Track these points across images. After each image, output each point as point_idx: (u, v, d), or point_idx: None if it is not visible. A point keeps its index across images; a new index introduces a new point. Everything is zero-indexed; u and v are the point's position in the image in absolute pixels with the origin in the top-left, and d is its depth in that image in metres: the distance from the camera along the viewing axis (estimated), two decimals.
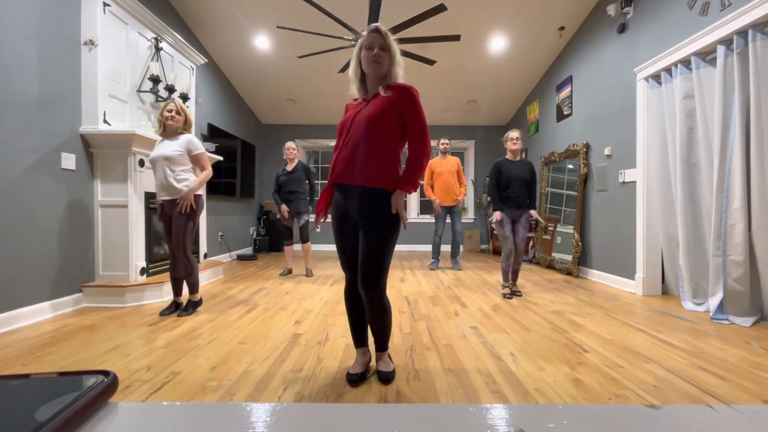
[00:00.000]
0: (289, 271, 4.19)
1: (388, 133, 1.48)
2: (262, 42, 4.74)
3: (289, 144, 4.05)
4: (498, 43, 4.73)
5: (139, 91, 3.22)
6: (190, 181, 2.50)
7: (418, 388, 1.54)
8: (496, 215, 3.11)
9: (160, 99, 3.41)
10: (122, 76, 3.04)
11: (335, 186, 1.55)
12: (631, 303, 2.96)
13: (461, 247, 6.54)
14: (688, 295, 2.85)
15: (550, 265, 4.65)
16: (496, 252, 6.26)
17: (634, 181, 3.39)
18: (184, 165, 2.50)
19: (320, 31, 3.82)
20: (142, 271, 2.96)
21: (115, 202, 2.88)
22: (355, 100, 1.64)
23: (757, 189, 2.37)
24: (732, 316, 2.44)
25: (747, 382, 1.59)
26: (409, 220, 6.99)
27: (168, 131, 2.53)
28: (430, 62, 4.16)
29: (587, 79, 4.21)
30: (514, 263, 3.16)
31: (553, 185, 4.88)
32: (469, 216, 7.09)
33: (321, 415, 0.29)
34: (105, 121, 2.84)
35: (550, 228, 4.82)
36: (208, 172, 2.59)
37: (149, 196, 3.08)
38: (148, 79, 3.19)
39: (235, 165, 5.57)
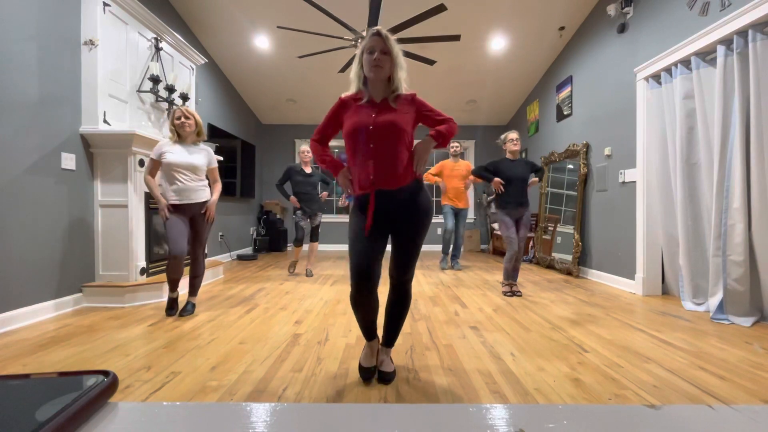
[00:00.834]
0: (293, 264, 4.19)
1: (410, 142, 1.56)
2: (262, 42, 4.74)
3: (305, 147, 4.06)
4: (498, 43, 4.74)
5: (139, 91, 3.22)
6: (208, 189, 2.67)
7: (418, 388, 1.54)
8: (496, 180, 3.19)
9: (160, 99, 3.41)
10: (122, 76, 3.04)
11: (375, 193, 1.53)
12: (631, 303, 2.96)
13: (461, 248, 6.55)
14: (688, 295, 2.85)
15: (550, 265, 4.65)
16: (496, 252, 6.26)
17: (634, 181, 3.39)
18: (204, 174, 2.66)
19: (320, 31, 3.82)
20: (142, 271, 2.96)
21: (115, 202, 2.88)
22: (355, 99, 1.60)
23: (757, 189, 2.37)
24: (732, 316, 2.44)
25: (747, 382, 1.59)
26: None
27: (183, 137, 2.56)
28: (430, 62, 4.16)
29: (587, 79, 4.21)
30: (515, 262, 3.17)
31: (553, 185, 4.88)
32: (470, 216, 7.09)
33: (321, 415, 0.29)
34: (105, 121, 2.84)
35: (550, 228, 4.82)
36: (221, 184, 2.79)
37: (149, 196, 3.08)
38: (148, 79, 3.19)
39: (235, 165, 5.57)
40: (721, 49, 2.54)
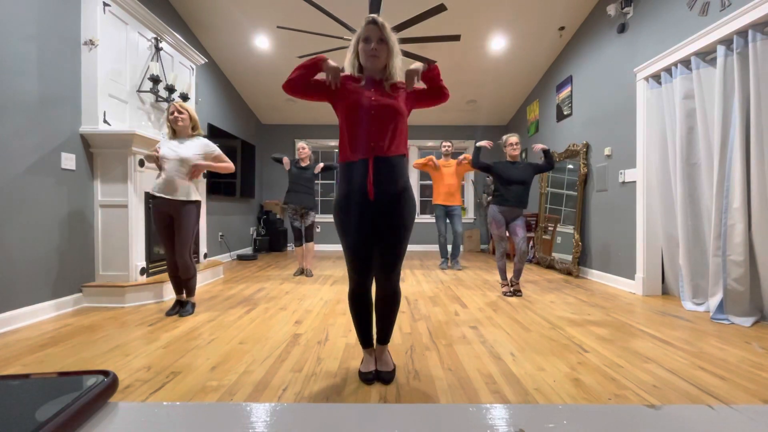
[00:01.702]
0: (302, 271, 4.19)
1: (405, 128, 1.58)
2: (262, 42, 4.74)
3: (301, 144, 4.13)
4: (498, 43, 4.73)
5: (139, 91, 3.22)
6: (193, 187, 2.59)
7: (418, 388, 1.54)
8: (484, 142, 3.30)
9: (160, 99, 3.41)
10: (122, 76, 3.04)
11: (361, 162, 1.49)
12: (631, 303, 2.96)
13: (461, 248, 6.56)
14: (688, 295, 2.85)
15: (550, 265, 4.65)
16: (496, 253, 6.25)
17: (634, 181, 3.39)
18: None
19: (320, 31, 3.82)
20: (142, 271, 2.96)
21: (115, 202, 2.88)
22: (354, 80, 1.58)
23: (757, 189, 2.37)
24: (732, 316, 2.44)
25: (747, 382, 1.59)
26: None
27: (178, 132, 2.57)
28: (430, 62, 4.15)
29: (587, 79, 4.21)
30: (517, 262, 3.17)
31: (553, 185, 4.88)
32: (469, 216, 7.09)
33: (321, 415, 0.29)
34: (105, 121, 2.84)
35: (550, 228, 4.82)
36: (230, 165, 2.69)
37: (149, 196, 3.08)
38: (148, 79, 3.19)
39: (235, 165, 5.57)
40: (721, 49, 2.54)
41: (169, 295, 2.97)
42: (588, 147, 4.15)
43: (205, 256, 4.05)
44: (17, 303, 2.30)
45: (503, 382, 1.59)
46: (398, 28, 3.37)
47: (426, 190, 7.32)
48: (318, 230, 6.88)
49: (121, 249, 2.88)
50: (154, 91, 3.25)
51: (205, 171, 2.71)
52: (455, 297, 3.16)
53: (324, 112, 6.55)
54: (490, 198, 6.51)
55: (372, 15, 1.51)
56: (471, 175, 7.04)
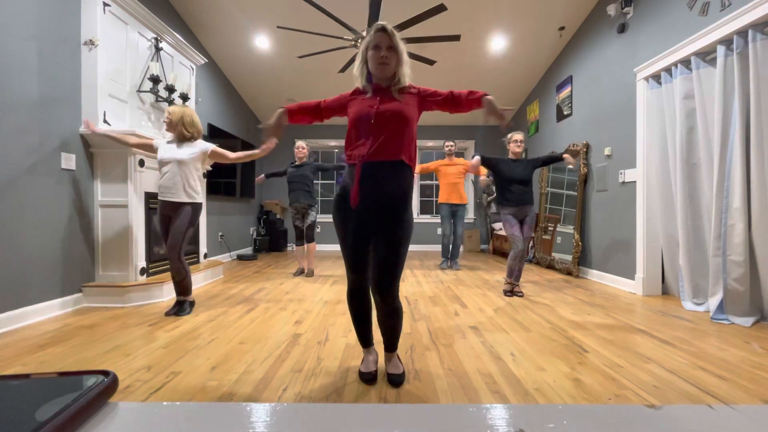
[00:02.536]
0: (302, 271, 4.19)
1: (413, 134, 1.55)
2: (262, 42, 4.74)
3: (299, 143, 4.12)
4: (498, 43, 4.73)
5: (139, 91, 3.22)
6: (197, 191, 2.62)
7: (418, 388, 1.54)
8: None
9: (160, 99, 3.41)
10: (122, 76, 3.04)
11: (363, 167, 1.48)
12: (631, 303, 2.96)
13: (461, 248, 6.57)
14: (688, 295, 2.85)
15: (550, 265, 4.65)
16: (496, 252, 6.26)
17: (634, 181, 3.39)
18: (196, 171, 2.61)
19: (320, 31, 3.82)
20: (142, 271, 2.96)
21: (115, 202, 2.88)
22: (356, 93, 1.60)
23: (757, 189, 2.37)
24: (732, 316, 2.44)
25: (747, 382, 1.59)
26: None
27: (177, 136, 2.60)
28: (430, 62, 4.16)
29: (587, 79, 4.21)
30: (518, 263, 3.17)
31: (553, 185, 4.88)
32: (469, 216, 7.09)
33: (321, 415, 0.29)
34: (105, 121, 2.84)
35: (550, 228, 4.82)
36: (235, 154, 2.72)
37: (149, 196, 3.08)
38: (148, 79, 3.19)
39: (235, 165, 5.57)
40: (721, 49, 2.54)
41: (170, 294, 2.97)
42: (588, 147, 4.15)
43: (205, 256, 4.05)
44: (17, 303, 2.30)
45: (503, 382, 1.59)
46: (398, 28, 3.36)
47: (426, 190, 7.32)
48: (318, 230, 6.88)
49: (121, 249, 2.88)
50: (154, 91, 3.25)
51: (205, 171, 2.72)
52: (455, 297, 3.16)
53: None
54: (490, 198, 6.52)
55: (381, 22, 1.51)
56: (471, 174, 7.04)
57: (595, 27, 4.04)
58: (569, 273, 4.21)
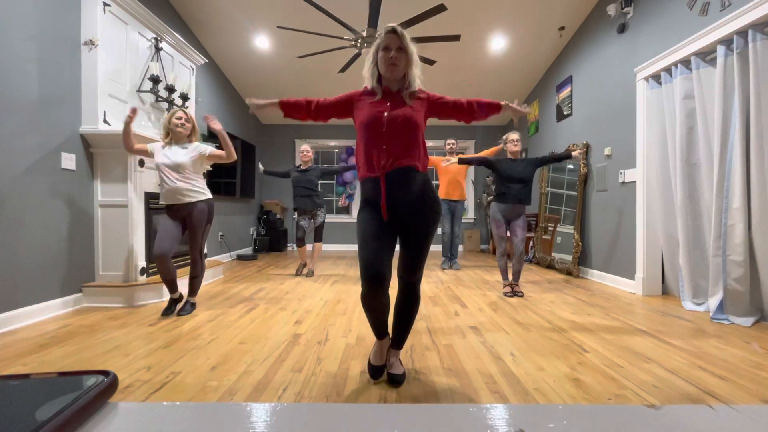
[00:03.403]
0: (304, 266, 4.21)
1: (422, 139, 1.57)
2: (262, 42, 4.74)
3: (304, 146, 4.15)
4: (498, 43, 4.74)
5: (139, 91, 3.22)
6: (205, 188, 2.63)
7: (418, 388, 1.54)
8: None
9: (160, 99, 3.41)
10: (122, 76, 3.04)
11: (386, 176, 1.49)
12: (631, 303, 2.96)
13: (461, 248, 6.57)
14: (688, 295, 2.85)
15: (550, 265, 4.65)
16: (497, 252, 6.25)
17: (634, 181, 3.39)
18: (197, 172, 2.61)
19: (320, 31, 3.82)
20: (142, 271, 2.96)
21: (115, 202, 2.88)
22: (368, 94, 1.59)
23: (757, 189, 2.37)
24: (732, 316, 2.44)
25: (747, 382, 1.59)
26: None
27: (176, 138, 2.58)
28: (430, 62, 4.16)
29: (587, 79, 4.21)
30: (516, 263, 3.17)
31: (553, 185, 4.88)
32: (469, 216, 7.09)
33: (321, 415, 0.29)
34: (105, 121, 2.84)
35: (550, 228, 4.82)
36: (231, 152, 2.64)
37: (149, 196, 3.08)
38: (148, 79, 3.19)
39: (235, 165, 5.57)
40: (721, 49, 2.54)
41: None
42: (588, 147, 4.15)
43: (205, 256, 4.05)
44: (17, 303, 2.30)
45: (503, 382, 1.59)
46: None
47: None
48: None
49: (121, 249, 2.88)
50: (154, 91, 3.25)
51: (205, 171, 2.73)
52: (455, 297, 3.16)
53: None
54: (490, 198, 6.51)
55: (392, 24, 1.51)
56: (471, 174, 7.04)
57: (595, 27, 4.04)
58: (569, 273, 4.21)
